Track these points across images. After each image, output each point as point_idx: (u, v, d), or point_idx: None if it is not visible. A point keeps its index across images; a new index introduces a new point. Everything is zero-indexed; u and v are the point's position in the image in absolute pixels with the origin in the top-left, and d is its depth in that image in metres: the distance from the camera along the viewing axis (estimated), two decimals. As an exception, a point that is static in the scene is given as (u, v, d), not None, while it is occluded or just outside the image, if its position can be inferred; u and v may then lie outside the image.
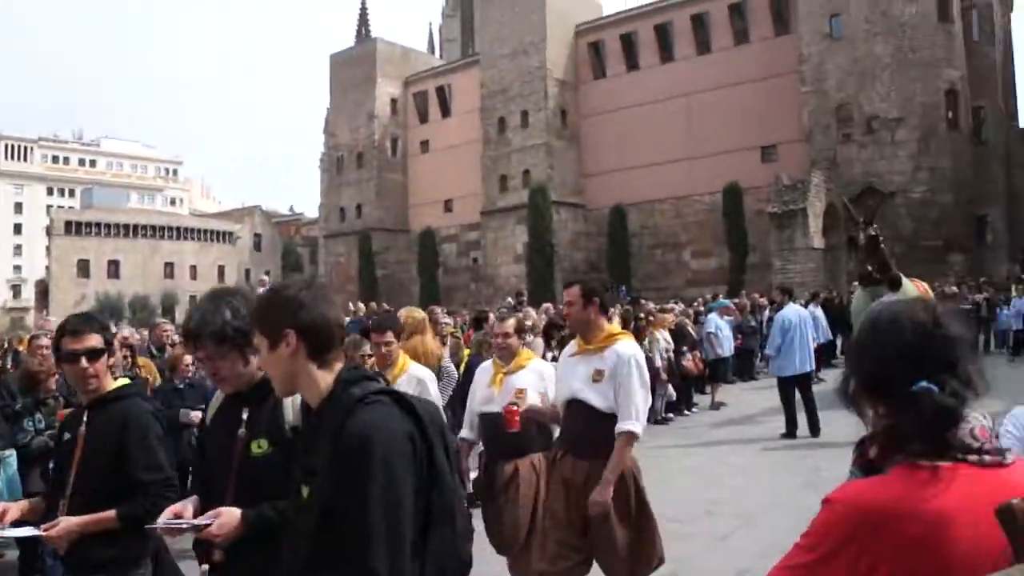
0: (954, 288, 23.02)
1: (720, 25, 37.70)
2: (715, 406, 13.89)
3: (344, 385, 1.84)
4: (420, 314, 6.89)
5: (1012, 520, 1.16)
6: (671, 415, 13.00)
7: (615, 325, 4.22)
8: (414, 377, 4.61)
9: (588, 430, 3.93)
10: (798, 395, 10.73)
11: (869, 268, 15.12)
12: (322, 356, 1.88)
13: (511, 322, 4.70)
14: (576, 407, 3.98)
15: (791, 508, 6.51)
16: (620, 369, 3.90)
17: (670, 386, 12.88)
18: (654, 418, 12.74)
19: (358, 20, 67.90)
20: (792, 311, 11.67)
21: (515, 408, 4.15)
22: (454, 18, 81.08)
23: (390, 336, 4.73)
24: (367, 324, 8.97)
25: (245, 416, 2.33)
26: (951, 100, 32.16)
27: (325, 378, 1.88)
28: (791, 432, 10.60)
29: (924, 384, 1.42)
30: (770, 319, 19.37)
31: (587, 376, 3.96)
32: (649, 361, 12.26)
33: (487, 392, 4.62)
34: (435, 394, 4.71)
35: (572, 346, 4.26)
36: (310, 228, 68.43)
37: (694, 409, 13.74)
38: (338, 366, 1.91)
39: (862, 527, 1.40)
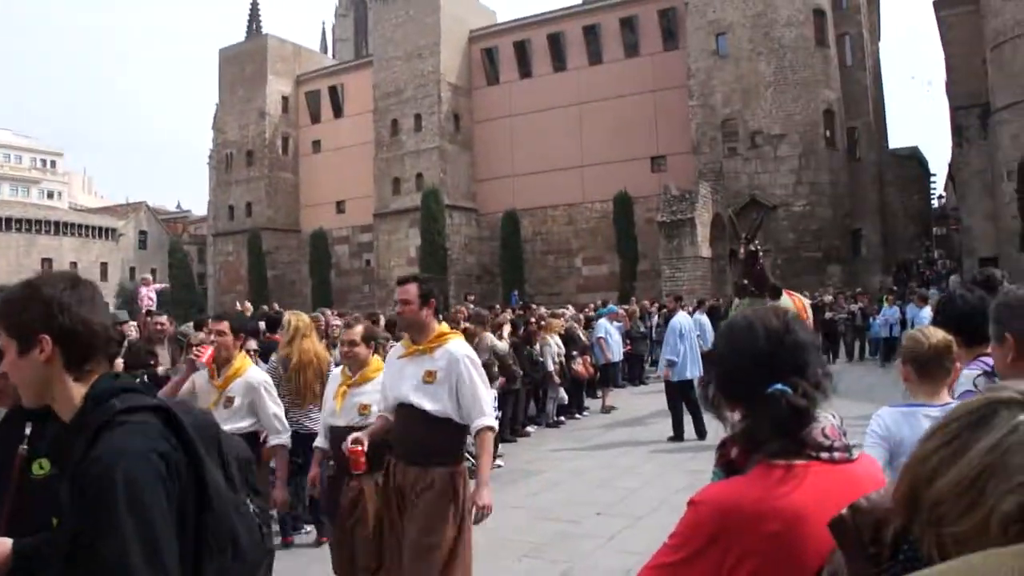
0: (830, 297, 24.17)
1: (611, 37, 38.37)
2: (606, 410, 14.03)
3: (95, 401, 1.61)
4: (305, 318, 6.75)
5: (843, 531, 1.20)
6: (563, 418, 13.09)
7: (444, 325, 4.04)
8: (247, 382, 4.41)
9: (420, 435, 3.74)
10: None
11: (745, 282, 15.70)
12: (80, 367, 1.65)
13: (358, 329, 4.45)
14: (406, 411, 3.80)
15: (677, 508, 6.61)
16: (456, 368, 3.76)
17: (561, 390, 13.01)
18: (546, 421, 12.83)
19: (249, 15, 66.39)
20: (684, 318, 11.96)
21: (359, 449, 3.81)
22: (347, 18, 80.00)
23: (224, 326, 4.51)
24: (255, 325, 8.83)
25: (28, 431, 2.04)
26: (828, 119, 33.71)
27: (80, 391, 1.65)
28: (678, 435, 10.79)
29: (778, 387, 1.51)
30: (659, 325, 20.02)
31: (418, 378, 3.80)
32: (541, 365, 12.52)
33: (332, 404, 4.39)
34: (267, 403, 4.48)
35: (399, 347, 4.08)
36: (198, 226, 66.31)
37: (585, 413, 13.85)
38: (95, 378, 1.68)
39: (725, 526, 1.47)
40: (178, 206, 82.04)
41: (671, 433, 10.91)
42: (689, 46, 34.97)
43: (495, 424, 3.83)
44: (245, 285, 45.10)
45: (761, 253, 17.41)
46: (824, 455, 1.52)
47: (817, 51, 33.57)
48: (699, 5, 34.60)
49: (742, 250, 17.29)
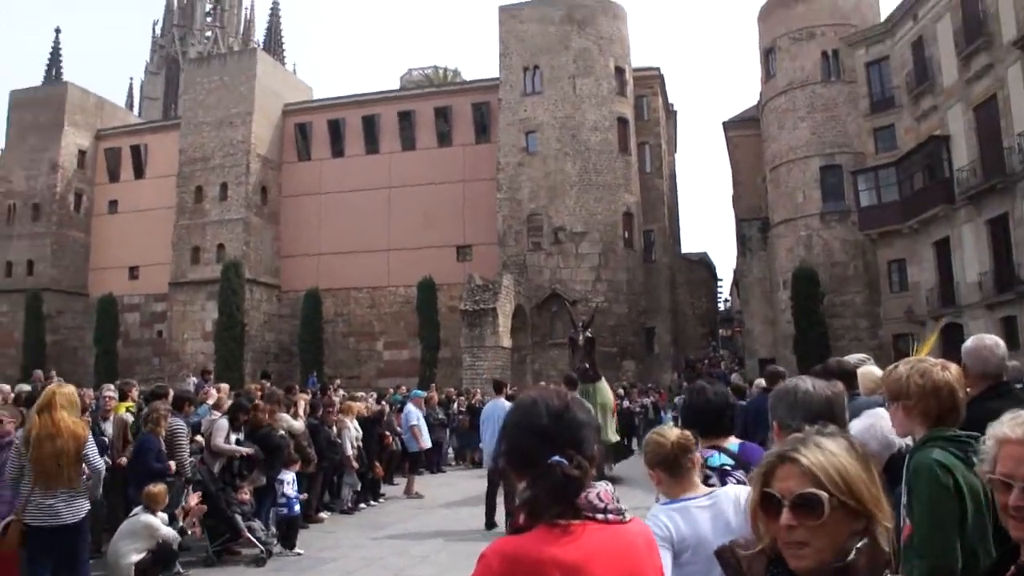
0: (621, 391, 25.07)
1: (425, 125, 38.97)
2: (414, 496, 13.87)
3: None
4: (65, 389, 6.07)
5: (726, 559, 1.55)
6: (362, 504, 12.74)
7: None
8: None
9: None
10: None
11: (587, 365, 16.21)
12: None
13: None
14: None
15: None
16: None
17: (356, 476, 12.63)
18: (340, 507, 12.34)
19: (49, 59, 62.45)
20: (494, 405, 11.78)
21: None
22: (158, 76, 77.18)
23: None
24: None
25: None
26: (627, 221, 35.56)
27: None
28: (491, 522, 10.51)
29: (556, 458, 1.71)
30: (460, 413, 20.07)
31: None
32: (339, 447, 12.01)
33: None
34: None
35: None
36: (-34, 281, 60.18)
37: (381, 499, 13.50)
38: None
39: (513, 572, 1.64)
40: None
41: (484, 520, 10.66)
42: (500, 141, 36.09)
43: None
44: (18, 349, 41.29)
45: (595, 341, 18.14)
46: (599, 516, 1.72)
47: (620, 156, 35.56)
48: (511, 103, 35.92)
49: (581, 337, 17.98)
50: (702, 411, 3.43)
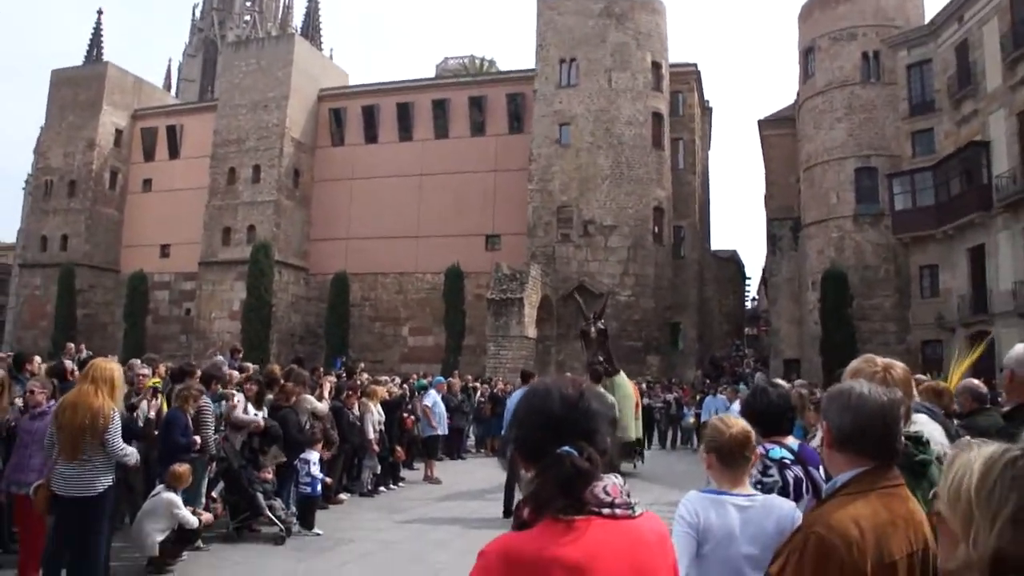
0: (644, 386, 24.91)
1: (459, 114, 39.02)
2: (433, 481, 13.86)
3: None
4: (105, 364, 6.00)
5: None
6: (381, 488, 12.77)
7: None
8: None
9: None
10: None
11: (601, 358, 15.89)
12: None
13: None
14: None
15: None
16: None
17: (376, 459, 12.66)
18: (360, 490, 12.40)
19: (90, 39, 62.98)
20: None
21: None
22: (195, 59, 77.73)
23: None
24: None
25: None
26: (658, 216, 35.36)
27: None
28: (509, 510, 10.44)
29: (565, 448, 1.65)
30: (481, 401, 20.02)
31: None
32: (360, 430, 12.07)
33: None
34: None
35: None
36: (4, 254, 61.30)
37: (401, 484, 13.55)
38: None
39: (510, 574, 1.58)
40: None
41: (496, 509, 10.69)
42: (533, 132, 36.02)
43: None
44: (50, 322, 41.97)
45: (608, 333, 17.77)
46: (605, 511, 1.65)
47: (653, 151, 35.33)
48: (546, 94, 35.82)
49: (593, 330, 17.58)
50: (764, 412, 3.50)
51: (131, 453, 5.99)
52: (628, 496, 1.72)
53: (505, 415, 11.83)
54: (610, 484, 1.69)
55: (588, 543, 1.60)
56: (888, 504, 2.14)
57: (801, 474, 3.23)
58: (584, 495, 1.65)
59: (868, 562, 1.99)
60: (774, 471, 3.19)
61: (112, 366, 6.05)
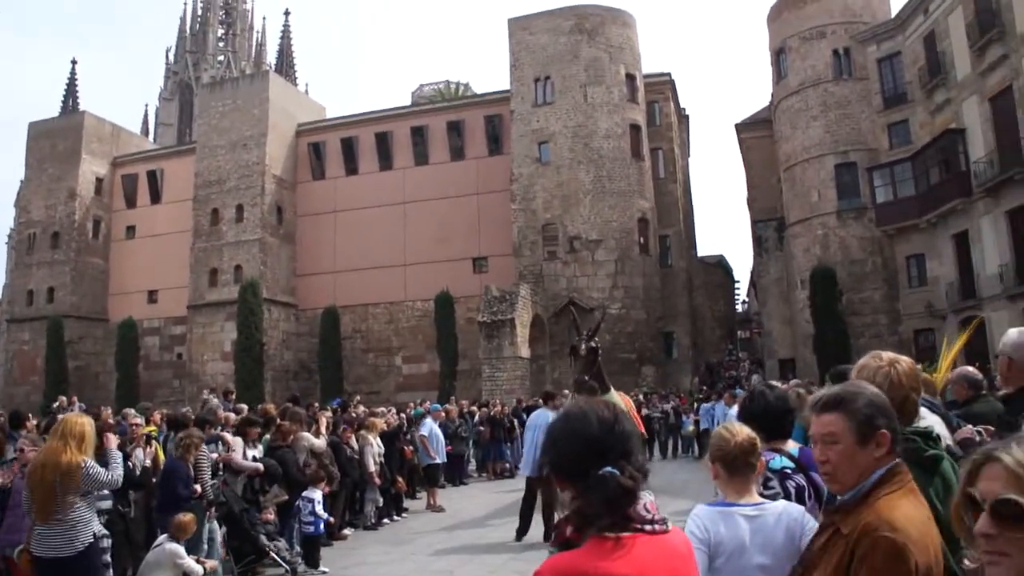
0: (641, 397, 24.91)
1: (438, 140, 39.09)
2: (436, 509, 13.79)
3: None
4: (77, 420, 5.78)
5: None
6: (385, 520, 12.69)
7: None
8: None
9: None
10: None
11: (586, 377, 15.84)
12: None
13: None
14: None
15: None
16: None
17: (378, 492, 12.60)
18: (364, 524, 12.30)
19: (65, 90, 62.98)
20: (541, 414, 11.60)
21: None
22: (172, 102, 77.82)
23: None
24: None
25: None
26: (643, 227, 35.42)
27: None
28: (523, 532, 10.41)
29: (608, 469, 1.72)
30: (477, 425, 19.96)
31: None
32: (362, 464, 11.98)
33: None
34: None
35: None
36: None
37: (404, 515, 13.47)
38: None
39: None
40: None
41: (515, 532, 10.55)
42: (513, 152, 36.09)
43: None
44: (41, 377, 41.65)
45: (600, 351, 17.78)
46: (648, 527, 1.74)
47: (633, 163, 35.46)
48: (523, 114, 35.96)
49: (583, 347, 17.61)
50: (762, 415, 3.36)
51: (115, 474, 5.82)
52: (658, 511, 1.80)
53: (526, 433, 11.72)
54: (648, 501, 1.78)
55: (637, 558, 1.68)
56: (919, 501, 2.16)
57: (803, 482, 3.16)
58: (629, 512, 1.73)
59: (931, 561, 1.99)
60: (775, 483, 3.12)
61: (83, 420, 5.85)
